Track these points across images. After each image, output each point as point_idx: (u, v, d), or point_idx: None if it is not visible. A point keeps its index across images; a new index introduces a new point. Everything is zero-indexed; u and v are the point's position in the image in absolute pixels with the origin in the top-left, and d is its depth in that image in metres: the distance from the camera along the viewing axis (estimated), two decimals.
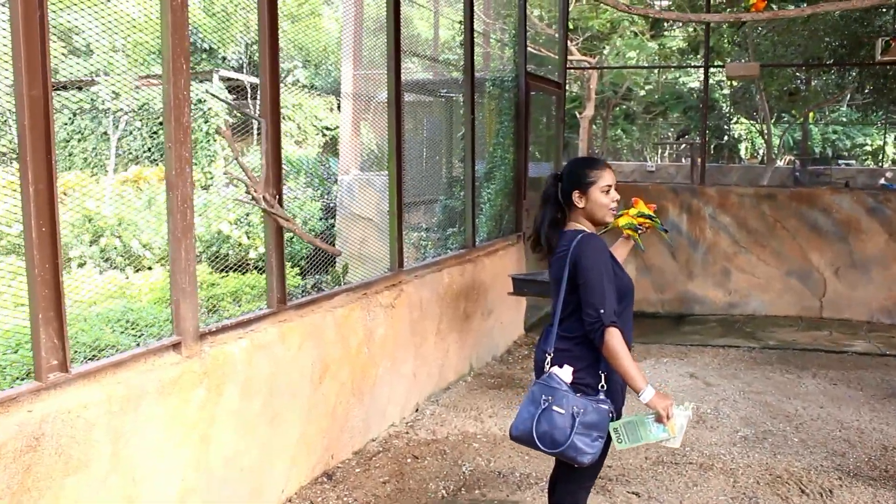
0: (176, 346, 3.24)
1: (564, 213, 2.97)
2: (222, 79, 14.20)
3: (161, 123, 12.43)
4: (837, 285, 8.32)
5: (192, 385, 3.24)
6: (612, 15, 12.75)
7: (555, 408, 2.72)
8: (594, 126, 15.99)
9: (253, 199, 3.73)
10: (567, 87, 9.29)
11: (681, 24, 13.16)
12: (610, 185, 2.93)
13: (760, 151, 21.71)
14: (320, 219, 10.77)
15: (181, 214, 3.22)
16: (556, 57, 9.02)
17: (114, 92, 13.90)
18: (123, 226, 8.31)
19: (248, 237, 10.44)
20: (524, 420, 2.79)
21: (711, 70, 13.36)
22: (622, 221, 3.43)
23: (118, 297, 5.68)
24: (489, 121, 7.57)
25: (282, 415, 3.87)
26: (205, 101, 12.99)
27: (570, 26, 13.37)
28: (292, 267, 6.53)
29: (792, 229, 8.36)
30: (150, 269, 7.48)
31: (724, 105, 17.86)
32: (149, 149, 13.16)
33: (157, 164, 12.09)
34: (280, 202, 3.87)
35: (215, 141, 13.02)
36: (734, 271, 8.51)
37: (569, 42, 12.40)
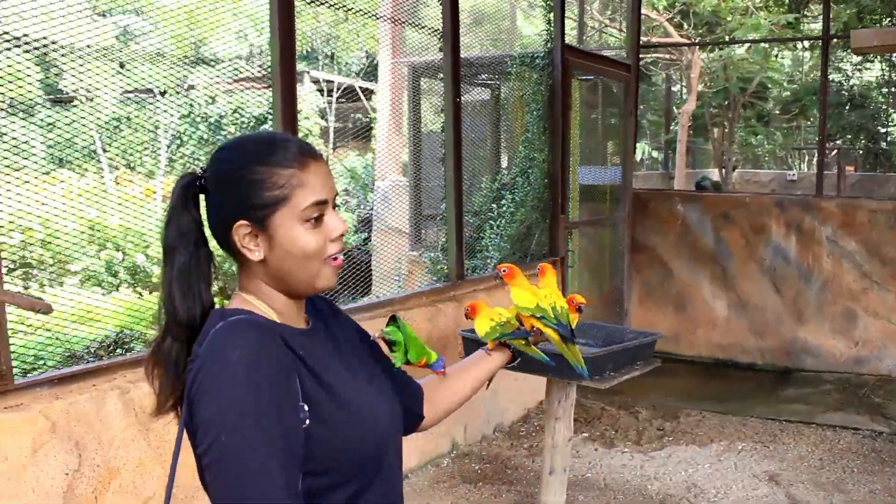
0: None
1: (216, 266, 1.28)
2: (313, 80, 13.15)
3: (254, 127, 11.43)
4: None
5: None
6: None
7: None
8: (714, 128, 13.67)
9: None
10: (651, 73, 7.31)
11: None
12: (323, 202, 1.24)
13: None
14: (354, 231, 9.34)
15: None
16: (625, 34, 7.08)
17: (209, 96, 13.26)
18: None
19: None
20: None
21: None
22: (481, 325, 1.73)
23: None
24: (516, 110, 5.79)
25: None
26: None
27: (680, 8, 11.23)
28: None
29: None
30: None
31: (879, 99, 14.89)
32: None
33: None
34: None
35: None
36: (862, 315, 6.23)
37: (666, 22, 10.32)
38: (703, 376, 6.38)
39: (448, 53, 4.52)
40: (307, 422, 1.17)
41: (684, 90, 13.50)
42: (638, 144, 16.89)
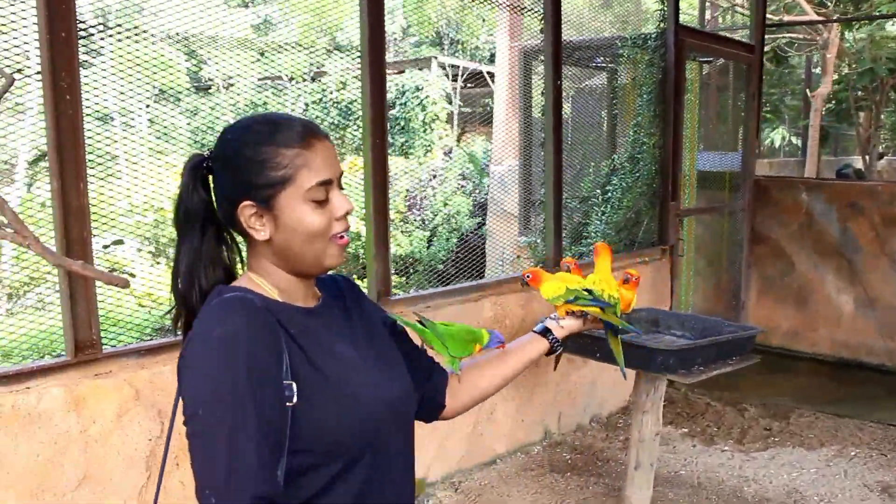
0: None
1: (229, 245, 1.32)
2: (441, 65, 13.33)
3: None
4: None
5: None
6: None
7: None
8: (859, 113, 12.74)
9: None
10: (787, 54, 6.89)
11: None
12: (328, 181, 1.25)
13: None
14: (469, 216, 9.37)
15: None
16: (749, 13, 6.71)
17: (341, 82, 13.70)
18: None
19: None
20: None
21: None
22: (551, 291, 1.70)
23: None
24: (627, 94, 5.62)
25: None
26: (422, 88, 12.33)
27: None
28: None
29: None
30: None
31: None
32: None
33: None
34: None
35: (432, 130, 12.33)
36: None
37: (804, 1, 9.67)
38: (822, 376, 6.01)
39: (549, 35, 4.44)
40: (294, 400, 1.19)
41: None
42: (775, 130, 16.04)
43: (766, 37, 11.17)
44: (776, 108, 14.80)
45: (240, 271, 1.34)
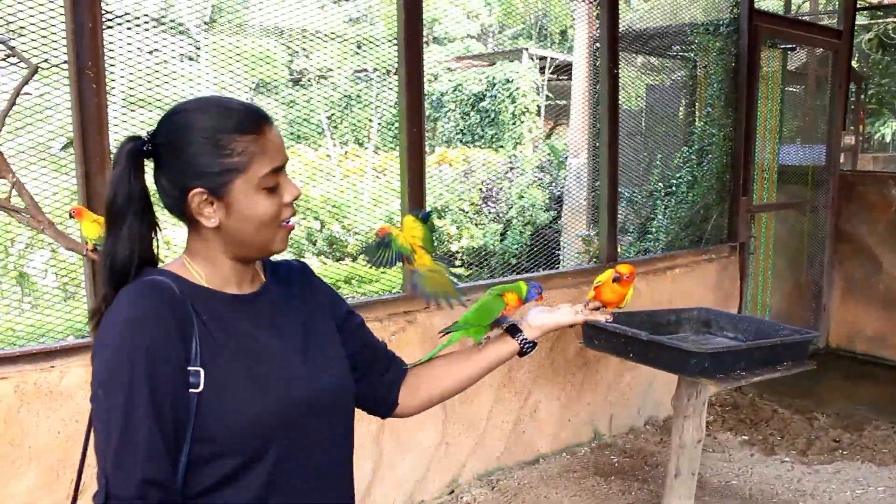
0: None
1: (157, 229, 1.29)
2: (531, 56, 13.25)
3: (473, 105, 11.85)
4: None
5: None
6: None
7: None
8: None
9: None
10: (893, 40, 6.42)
11: None
12: (280, 169, 1.25)
13: None
14: (545, 209, 9.22)
15: None
16: None
17: (432, 75, 13.81)
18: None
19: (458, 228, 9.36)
20: None
21: None
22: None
23: None
24: (698, 83, 5.37)
25: None
26: (512, 80, 12.32)
27: None
28: None
29: None
30: None
31: None
32: (460, 130, 12.72)
33: (467, 146, 11.82)
34: None
35: (522, 122, 12.31)
36: None
37: None
38: None
39: (605, 20, 4.27)
40: (200, 387, 1.16)
41: None
42: (886, 124, 15.07)
43: (870, 22, 10.51)
44: (886, 99, 13.92)
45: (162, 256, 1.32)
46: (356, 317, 1.51)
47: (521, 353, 1.59)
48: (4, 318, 3.79)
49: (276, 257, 1.38)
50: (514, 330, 1.58)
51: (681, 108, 5.68)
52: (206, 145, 1.19)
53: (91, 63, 2.63)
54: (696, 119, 5.35)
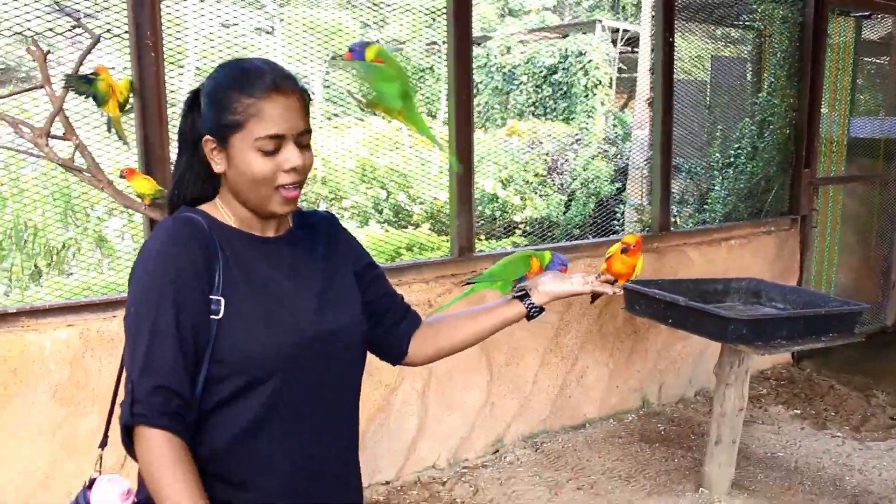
0: None
1: (209, 172, 1.42)
2: (605, 28, 13.10)
3: (545, 77, 11.80)
4: None
5: None
6: None
7: None
8: None
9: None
10: None
11: None
12: (279, 136, 1.33)
13: None
14: (609, 181, 9.15)
15: None
16: None
17: (505, 46, 13.78)
18: None
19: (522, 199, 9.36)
20: None
21: None
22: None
23: None
24: (762, 53, 5.25)
25: None
26: (585, 52, 12.23)
27: None
28: None
29: None
30: None
31: None
32: (533, 103, 12.72)
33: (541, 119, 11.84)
34: None
35: (594, 95, 12.22)
36: None
37: None
38: None
39: None
40: (220, 314, 1.30)
41: None
42: None
43: None
44: None
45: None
46: (377, 268, 1.61)
47: (529, 317, 1.66)
48: (87, 277, 4.08)
49: (307, 207, 1.49)
50: (523, 295, 1.66)
51: (745, 79, 5.57)
52: (218, 100, 1.34)
53: (150, 33, 2.80)
54: (760, 90, 5.24)
